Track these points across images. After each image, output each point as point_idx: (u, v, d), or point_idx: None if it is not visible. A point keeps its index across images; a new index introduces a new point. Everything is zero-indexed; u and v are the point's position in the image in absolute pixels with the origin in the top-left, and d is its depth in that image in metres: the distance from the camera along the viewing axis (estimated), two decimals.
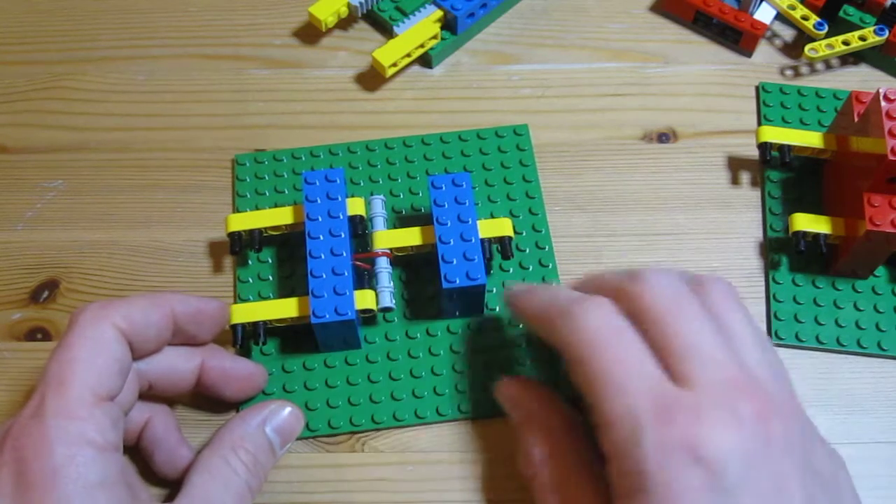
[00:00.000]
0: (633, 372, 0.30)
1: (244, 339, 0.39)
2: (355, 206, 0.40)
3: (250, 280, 0.42)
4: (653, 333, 0.31)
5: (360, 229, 0.40)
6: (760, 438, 0.28)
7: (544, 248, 0.43)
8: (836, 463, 0.31)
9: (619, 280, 0.33)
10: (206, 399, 0.38)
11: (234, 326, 0.38)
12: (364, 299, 0.38)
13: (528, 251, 0.43)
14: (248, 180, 0.45)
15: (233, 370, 0.37)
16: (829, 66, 0.50)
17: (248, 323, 0.38)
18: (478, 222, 0.40)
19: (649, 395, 0.29)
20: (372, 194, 0.43)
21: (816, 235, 0.41)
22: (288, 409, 0.36)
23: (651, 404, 0.29)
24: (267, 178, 0.45)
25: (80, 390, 0.30)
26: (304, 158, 0.46)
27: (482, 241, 0.39)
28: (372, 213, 0.41)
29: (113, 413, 0.31)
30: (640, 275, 0.33)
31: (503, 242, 0.40)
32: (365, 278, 0.40)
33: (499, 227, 0.40)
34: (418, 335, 0.41)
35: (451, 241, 0.39)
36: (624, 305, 0.32)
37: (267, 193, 0.45)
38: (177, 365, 0.36)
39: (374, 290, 0.39)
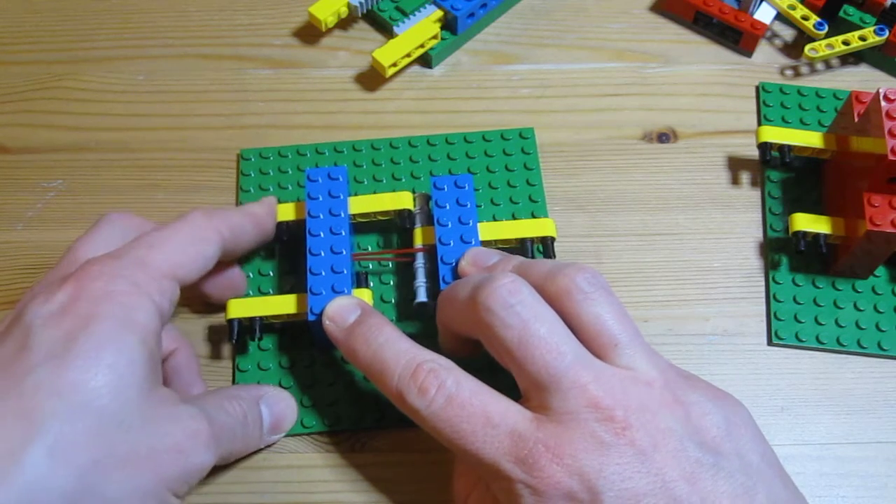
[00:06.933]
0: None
1: (240, 334, 0.38)
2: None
3: (250, 275, 0.42)
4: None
5: (407, 223, 0.41)
6: (627, 450, 0.29)
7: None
8: (729, 424, 0.31)
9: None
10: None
11: (230, 321, 0.38)
12: (362, 298, 0.38)
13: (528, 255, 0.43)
14: (252, 175, 0.45)
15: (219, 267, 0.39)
16: (829, 66, 0.50)
17: (245, 318, 0.38)
18: (519, 222, 0.40)
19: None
20: (414, 191, 0.43)
21: (816, 235, 0.41)
22: (284, 396, 0.37)
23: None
24: (271, 173, 0.45)
25: (164, 260, 0.33)
26: (308, 155, 0.46)
27: (524, 241, 0.40)
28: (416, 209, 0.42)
29: (174, 291, 0.33)
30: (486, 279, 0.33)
31: (546, 243, 0.41)
32: (363, 277, 0.40)
33: (541, 227, 0.41)
34: (417, 335, 0.40)
35: (451, 242, 0.39)
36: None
37: (270, 189, 0.45)
38: None
39: (413, 286, 0.40)
